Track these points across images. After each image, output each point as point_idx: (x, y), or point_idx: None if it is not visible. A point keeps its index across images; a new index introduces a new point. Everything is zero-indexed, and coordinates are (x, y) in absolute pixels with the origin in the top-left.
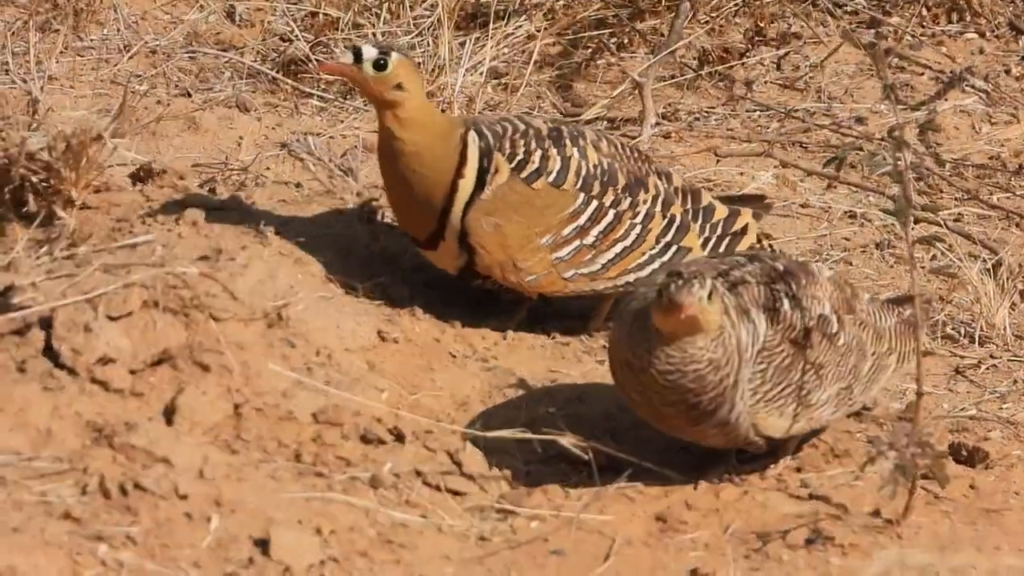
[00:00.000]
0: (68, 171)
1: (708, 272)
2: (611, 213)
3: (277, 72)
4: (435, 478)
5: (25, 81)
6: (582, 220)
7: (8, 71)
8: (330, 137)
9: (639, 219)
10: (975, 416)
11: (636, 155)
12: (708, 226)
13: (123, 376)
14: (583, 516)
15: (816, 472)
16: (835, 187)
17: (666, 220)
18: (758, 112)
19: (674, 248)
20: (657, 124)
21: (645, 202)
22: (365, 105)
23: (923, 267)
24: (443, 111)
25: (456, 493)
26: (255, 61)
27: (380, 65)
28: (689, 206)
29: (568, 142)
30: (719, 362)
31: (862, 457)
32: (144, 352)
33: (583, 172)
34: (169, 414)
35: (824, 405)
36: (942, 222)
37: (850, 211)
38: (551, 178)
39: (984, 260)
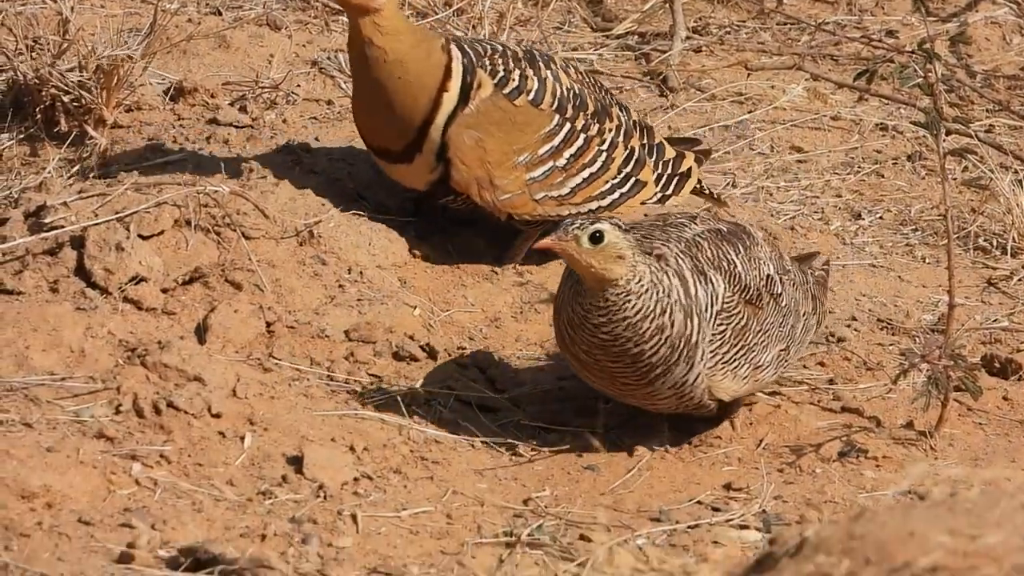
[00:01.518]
0: (99, 91)
1: (613, 222)
2: (582, 137)
3: None
4: (468, 394)
5: (55, 1)
6: (556, 141)
7: None
8: None
9: (605, 146)
10: (1008, 327)
11: (598, 85)
12: (660, 163)
13: (155, 295)
14: (617, 431)
15: (849, 385)
16: (866, 99)
17: (627, 151)
18: (789, 25)
19: (632, 180)
20: (688, 38)
21: (610, 131)
22: None
23: (955, 179)
24: (473, 27)
25: (489, 409)
26: None
27: None
28: (645, 141)
29: (542, 64)
30: (651, 311)
31: (895, 370)
32: (176, 271)
33: (558, 93)
34: (201, 332)
35: (768, 366)
36: (973, 133)
37: (881, 123)
38: (531, 96)
39: (1016, 171)
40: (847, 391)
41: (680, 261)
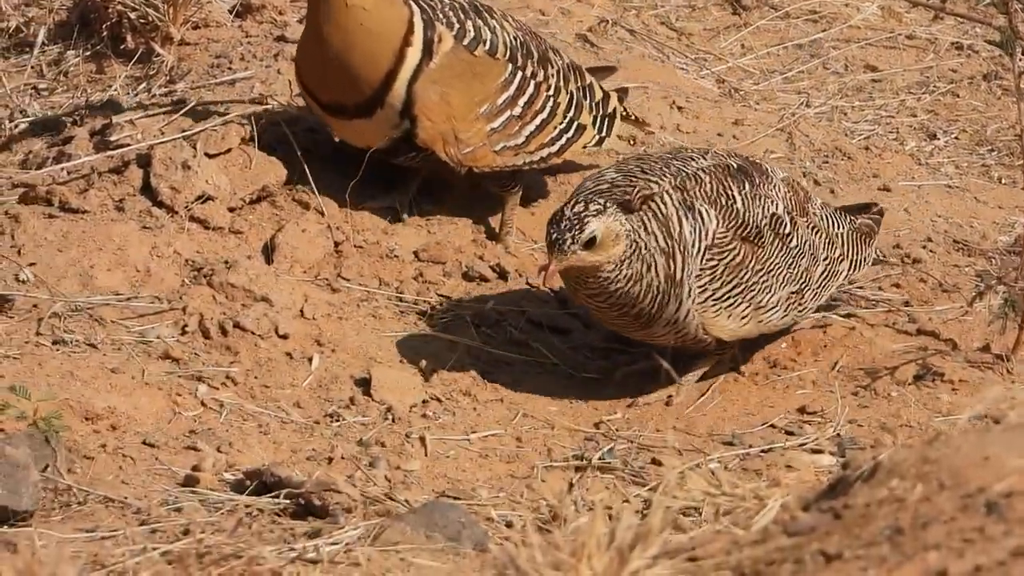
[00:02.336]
0: (166, 8)
1: (599, 202)
2: (532, 84)
3: None
4: (538, 315)
5: None
6: (512, 90)
7: None
8: None
9: (551, 92)
10: None
11: (532, 32)
12: (594, 104)
13: (222, 214)
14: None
15: (924, 307)
16: (941, 18)
17: (568, 95)
18: None
19: (575, 124)
20: None
21: (552, 76)
22: None
23: None
24: None
25: (560, 330)
26: None
27: None
28: (579, 83)
29: (487, 15)
30: (638, 274)
31: (971, 292)
32: (243, 190)
33: (508, 42)
34: (269, 252)
35: (774, 308)
36: None
37: (957, 42)
38: (487, 47)
39: None
40: (923, 313)
41: (667, 198)
